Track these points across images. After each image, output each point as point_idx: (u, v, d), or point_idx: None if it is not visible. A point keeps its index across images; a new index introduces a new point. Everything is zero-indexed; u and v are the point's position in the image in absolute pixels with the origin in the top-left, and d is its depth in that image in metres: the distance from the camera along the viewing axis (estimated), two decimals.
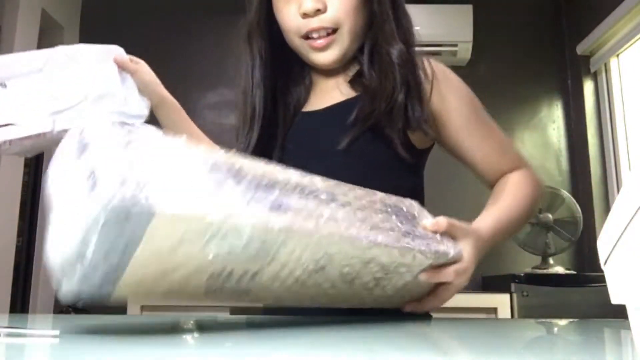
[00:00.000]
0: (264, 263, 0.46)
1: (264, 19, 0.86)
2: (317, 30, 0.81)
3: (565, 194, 2.55)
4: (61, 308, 2.62)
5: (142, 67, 1.02)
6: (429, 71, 0.84)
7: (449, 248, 0.63)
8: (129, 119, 0.99)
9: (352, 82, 0.86)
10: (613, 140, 2.71)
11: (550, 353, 0.43)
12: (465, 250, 0.67)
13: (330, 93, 0.87)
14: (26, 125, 0.92)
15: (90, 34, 3.00)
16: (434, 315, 0.83)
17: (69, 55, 1.00)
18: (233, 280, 0.45)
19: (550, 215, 2.50)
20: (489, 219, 0.78)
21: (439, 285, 0.67)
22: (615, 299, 0.44)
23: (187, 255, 0.41)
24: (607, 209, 2.69)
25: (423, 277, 0.61)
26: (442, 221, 0.64)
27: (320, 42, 0.81)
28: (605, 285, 0.45)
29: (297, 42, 0.84)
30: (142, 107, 1.01)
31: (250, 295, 0.48)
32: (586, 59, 2.84)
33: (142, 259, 0.38)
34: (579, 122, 2.86)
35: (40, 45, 2.71)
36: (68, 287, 0.39)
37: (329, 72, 0.88)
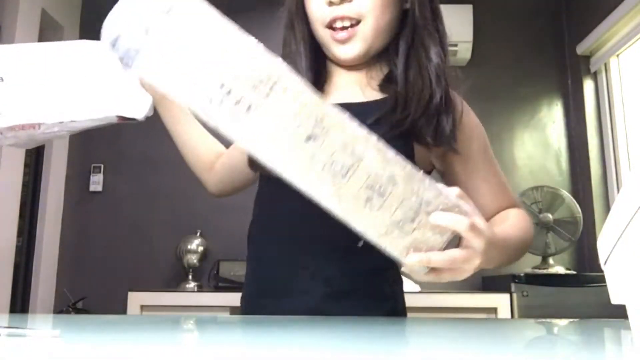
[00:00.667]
0: (261, 94, 0.48)
1: (301, 6, 0.85)
2: (341, 19, 0.79)
3: (565, 194, 2.55)
4: (61, 308, 2.63)
5: None
6: (458, 100, 0.84)
7: (458, 201, 0.57)
8: (129, 113, 0.99)
9: (382, 87, 0.84)
10: (613, 140, 2.72)
11: (550, 353, 0.43)
12: (479, 216, 0.58)
13: (348, 89, 0.86)
14: (16, 115, 0.92)
15: (90, 34, 3.00)
16: (436, 315, 0.83)
17: (71, 50, 1.00)
18: (231, 101, 0.48)
19: (550, 215, 2.50)
20: (497, 230, 0.71)
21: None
22: (615, 299, 0.44)
23: (196, 52, 0.48)
24: (607, 209, 2.69)
25: (431, 215, 0.53)
26: (456, 188, 0.58)
27: (343, 35, 0.80)
28: (605, 285, 0.45)
29: (321, 33, 0.82)
30: (144, 102, 1.01)
31: (242, 127, 0.50)
32: (586, 59, 2.85)
33: (163, 36, 0.48)
34: (579, 122, 2.86)
35: None
36: (110, 21, 0.49)
37: (349, 67, 0.86)
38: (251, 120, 0.49)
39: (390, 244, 0.55)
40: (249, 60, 0.48)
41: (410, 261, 0.55)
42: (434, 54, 0.81)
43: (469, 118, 0.86)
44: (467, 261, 0.58)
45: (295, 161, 0.51)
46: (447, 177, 0.88)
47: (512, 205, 0.87)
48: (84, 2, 3.06)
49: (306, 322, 0.66)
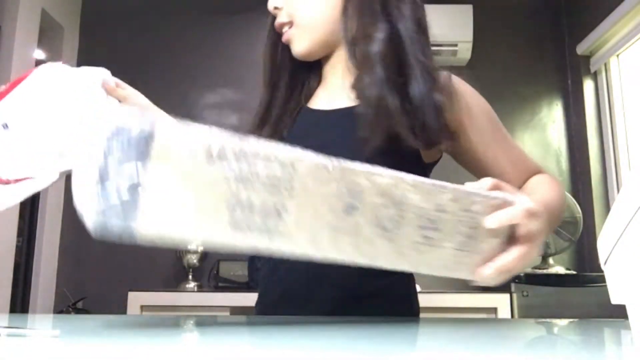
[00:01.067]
0: (284, 195, 0.45)
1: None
2: (279, 26, 0.85)
3: (565, 194, 2.55)
4: (61, 308, 2.62)
5: (132, 92, 0.91)
6: (446, 84, 0.79)
7: (502, 195, 0.56)
8: None
9: (354, 89, 0.80)
10: (613, 140, 2.72)
11: (550, 353, 0.43)
12: (525, 198, 0.58)
13: (338, 93, 0.85)
14: (41, 179, 0.84)
15: (90, 34, 3.00)
16: (436, 315, 0.83)
17: (58, 86, 0.89)
18: (256, 216, 0.44)
19: None
20: (537, 199, 0.69)
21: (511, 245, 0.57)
22: (615, 299, 0.44)
23: (198, 178, 0.42)
24: (607, 209, 2.69)
25: (484, 222, 0.52)
26: (488, 179, 0.58)
27: (284, 37, 0.86)
28: (605, 285, 0.45)
29: None
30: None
31: (280, 236, 0.45)
32: (586, 59, 2.85)
33: (155, 180, 0.41)
34: (579, 122, 2.86)
35: (40, 45, 2.70)
36: (94, 217, 0.42)
37: (334, 70, 0.87)
38: (286, 224, 0.45)
39: (461, 271, 0.55)
40: (260, 167, 0.44)
41: (486, 276, 0.56)
42: (372, 46, 0.76)
43: (468, 100, 0.82)
44: (533, 249, 0.58)
45: (344, 239, 0.48)
46: (461, 158, 0.86)
47: (537, 171, 0.86)
48: (84, 2, 3.06)
49: (309, 323, 0.66)
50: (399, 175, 0.50)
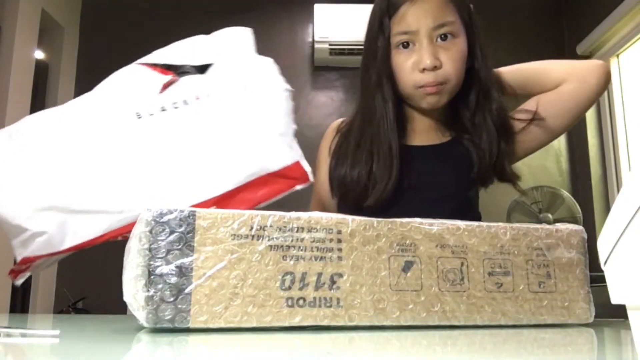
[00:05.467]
0: (329, 262, 0.44)
1: (388, 67, 0.95)
2: (432, 84, 0.93)
3: (565, 194, 2.55)
4: (61, 308, 2.62)
5: None
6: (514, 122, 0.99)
7: (564, 226, 0.62)
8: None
9: (452, 129, 1.00)
10: (613, 140, 2.72)
11: (551, 353, 0.43)
12: None
13: (429, 132, 1.01)
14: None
15: (90, 34, 3.00)
16: None
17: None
18: (310, 288, 0.44)
19: (550, 215, 2.50)
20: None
21: None
22: (615, 299, 0.44)
23: (244, 256, 0.44)
24: (607, 209, 2.69)
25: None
26: None
27: (432, 89, 0.93)
28: (605, 285, 0.45)
29: (411, 91, 0.94)
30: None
31: (342, 307, 0.45)
32: (586, 59, 2.85)
33: (201, 269, 0.43)
34: (579, 122, 2.86)
35: (40, 45, 2.70)
36: (144, 313, 0.44)
37: (427, 112, 0.99)
38: (342, 291, 0.45)
39: (542, 315, 0.55)
40: (304, 235, 0.44)
41: None
42: (496, 104, 0.97)
43: (523, 113, 0.98)
44: None
45: (408, 300, 0.46)
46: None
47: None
48: (84, 2, 3.06)
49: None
50: (449, 221, 0.48)
